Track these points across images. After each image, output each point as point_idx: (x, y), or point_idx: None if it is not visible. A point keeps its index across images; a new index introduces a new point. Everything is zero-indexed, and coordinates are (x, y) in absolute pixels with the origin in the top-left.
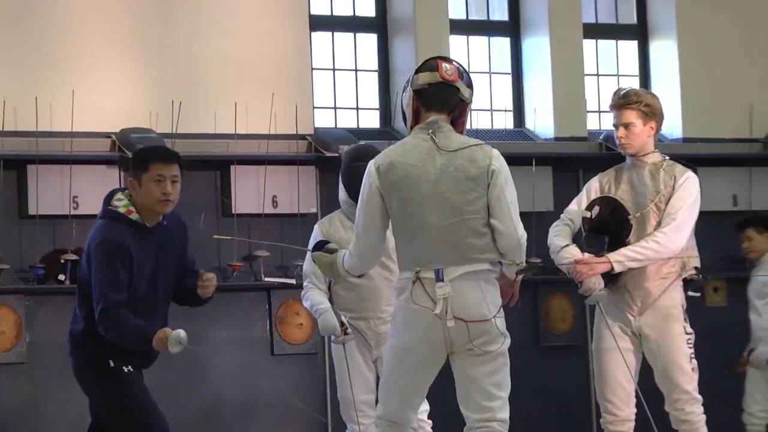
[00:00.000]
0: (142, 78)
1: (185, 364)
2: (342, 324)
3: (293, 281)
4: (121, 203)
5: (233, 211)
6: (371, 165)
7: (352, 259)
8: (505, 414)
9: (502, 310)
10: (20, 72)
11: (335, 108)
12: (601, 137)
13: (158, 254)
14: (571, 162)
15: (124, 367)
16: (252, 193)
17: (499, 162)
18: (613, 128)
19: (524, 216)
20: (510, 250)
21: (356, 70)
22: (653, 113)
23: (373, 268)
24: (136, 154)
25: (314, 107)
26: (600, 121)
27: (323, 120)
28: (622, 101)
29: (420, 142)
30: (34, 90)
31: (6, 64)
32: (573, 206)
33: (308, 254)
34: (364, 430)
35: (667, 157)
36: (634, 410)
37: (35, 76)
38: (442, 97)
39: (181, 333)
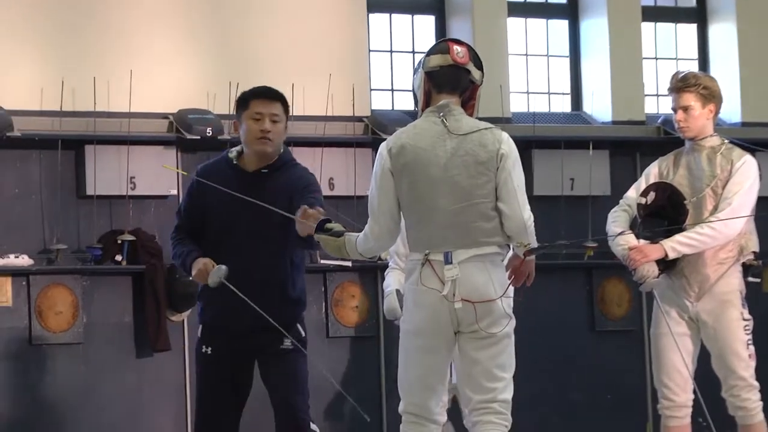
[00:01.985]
0: (200, 59)
1: None
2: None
3: (349, 264)
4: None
5: None
6: (383, 147)
7: (368, 242)
8: (507, 395)
9: (511, 291)
10: (79, 52)
11: (392, 90)
12: (659, 121)
13: (254, 198)
14: (628, 146)
15: (203, 347)
16: None
17: (508, 146)
18: (671, 112)
19: (581, 200)
20: (516, 233)
21: (413, 52)
22: (712, 96)
23: (387, 249)
24: (240, 94)
25: (371, 89)
26: (658, 104)
27: (380, 102)
28: (681, 84)
29: (431, 125)
30: (93, 70)
31: (65, 44)
32: (632, 192)
33: None
34: None
35: (726, 141)
36: (692, 396)
37: (93, 56)
38: (453, 79)
39: (222, 268)
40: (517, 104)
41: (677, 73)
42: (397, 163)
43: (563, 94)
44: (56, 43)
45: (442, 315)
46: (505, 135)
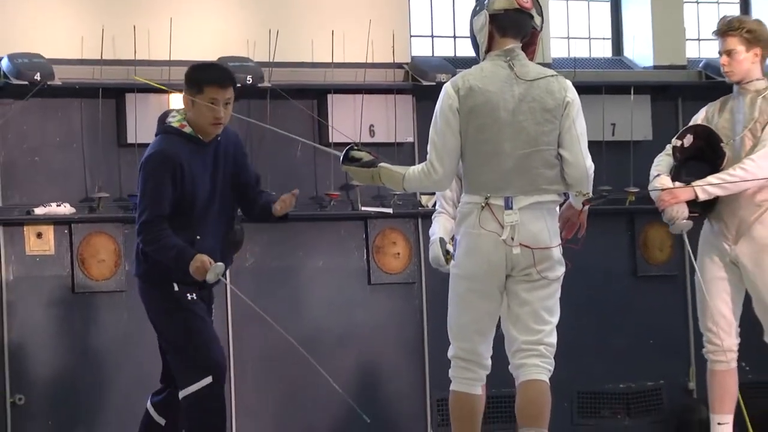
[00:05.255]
0: (240, 6)
1: (282, 292)
2: (447, 253)
3: (390, 210)
4: (174, 119)
5: (330, 140)
6: (449, 87)
7: (426, 180)
8: (553, 339)
9: (559, 239)
10: (118, 0)
11: (432, 36)
12: (700, 65)
13: (215, 168)
14: (670, 90)
15: (188, 294)
16: (349, 122)
17: (572, 94)
18: (714, 56)
19: (623, 144)
20: (577, 181)
21: None
22: (757, 39)
23: (444, 190)
24: (191, 71)
25: (411, 35)
26: (699, 48)
27: (420, 48)
28: (725, 28)
29: (498, 69)
30: (133, 19)
31: None
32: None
33: None
34: None
35: None
36: (737, 340)
37: (133, 4)
38: (518, 23)
39: (221, 265)
40: (558, 50)
41: (724, 17)
42: (465, 105)
43: (604, 38)
44: None
45: (498, 259)
46: (569, 83)
